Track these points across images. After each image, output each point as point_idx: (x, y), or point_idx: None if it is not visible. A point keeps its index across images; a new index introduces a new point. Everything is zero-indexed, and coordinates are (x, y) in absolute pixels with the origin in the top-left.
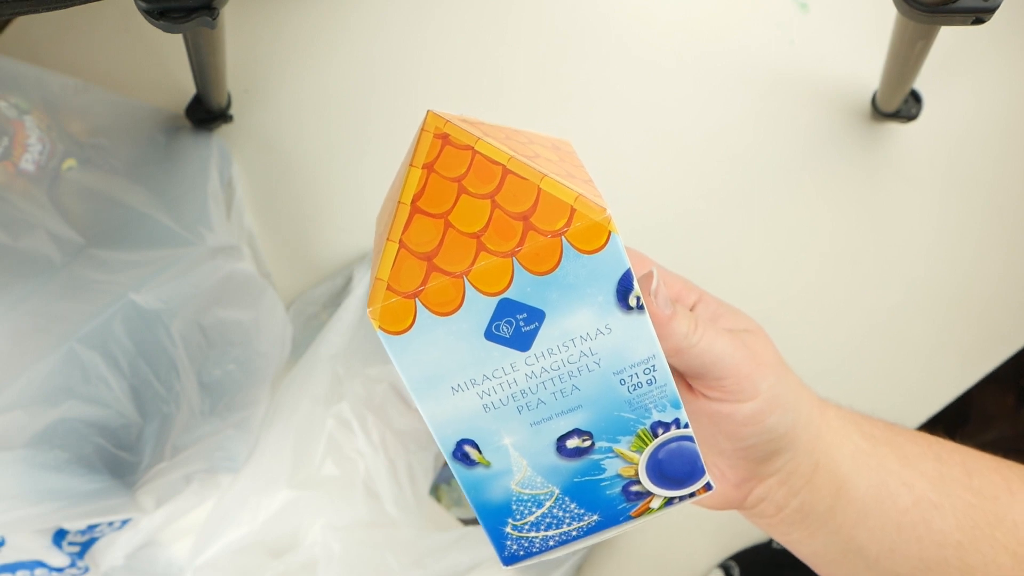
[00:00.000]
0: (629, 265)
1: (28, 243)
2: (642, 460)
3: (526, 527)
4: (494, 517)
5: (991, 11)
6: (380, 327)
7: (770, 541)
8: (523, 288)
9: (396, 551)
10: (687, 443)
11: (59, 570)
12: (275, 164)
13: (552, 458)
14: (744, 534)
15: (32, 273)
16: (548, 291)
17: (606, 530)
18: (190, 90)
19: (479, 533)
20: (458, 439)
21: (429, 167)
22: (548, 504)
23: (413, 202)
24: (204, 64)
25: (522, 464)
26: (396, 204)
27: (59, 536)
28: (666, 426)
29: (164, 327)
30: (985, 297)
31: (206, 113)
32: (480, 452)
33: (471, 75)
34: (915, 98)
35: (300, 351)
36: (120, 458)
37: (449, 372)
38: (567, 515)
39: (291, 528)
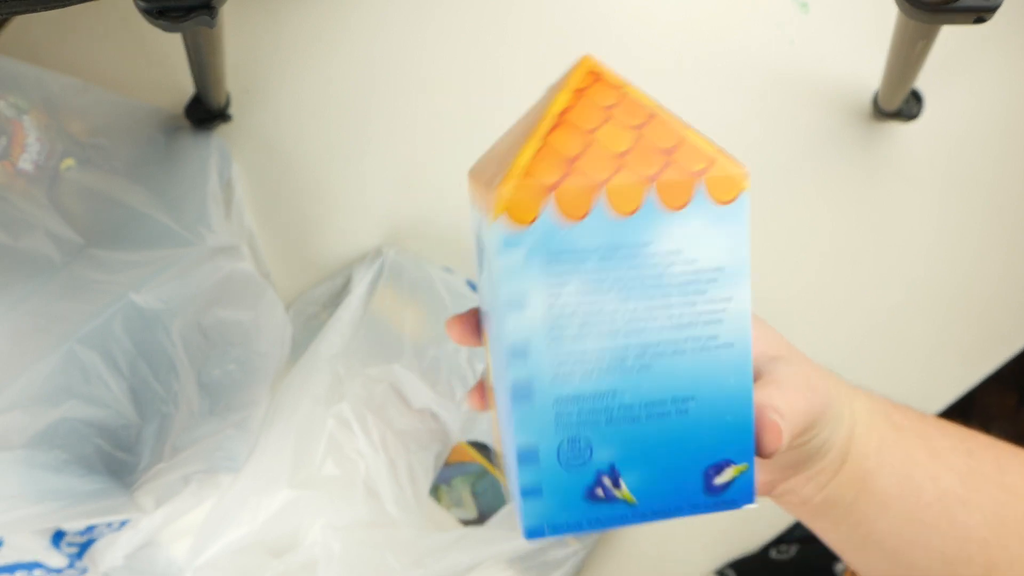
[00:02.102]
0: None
1: (28, 243)
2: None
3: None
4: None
5: (992, 10)
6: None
7: (766, 550)
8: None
9: (396, 551)
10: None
11: (58, 571)
12: (275, 164)
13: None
14: (741, 542)
15: (32, 273)
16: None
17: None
18: (189, 90)
19: (479, 533)
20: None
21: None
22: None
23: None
24: (203, 64)
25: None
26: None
27: (58, 537)
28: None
29: (164, 327)
30: (986, 297)
31: (206, 113)
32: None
33: (471, 75)
34: (916, 98)
35: (300, 351)
36: (119, 458)
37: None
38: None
39: (291, 528)
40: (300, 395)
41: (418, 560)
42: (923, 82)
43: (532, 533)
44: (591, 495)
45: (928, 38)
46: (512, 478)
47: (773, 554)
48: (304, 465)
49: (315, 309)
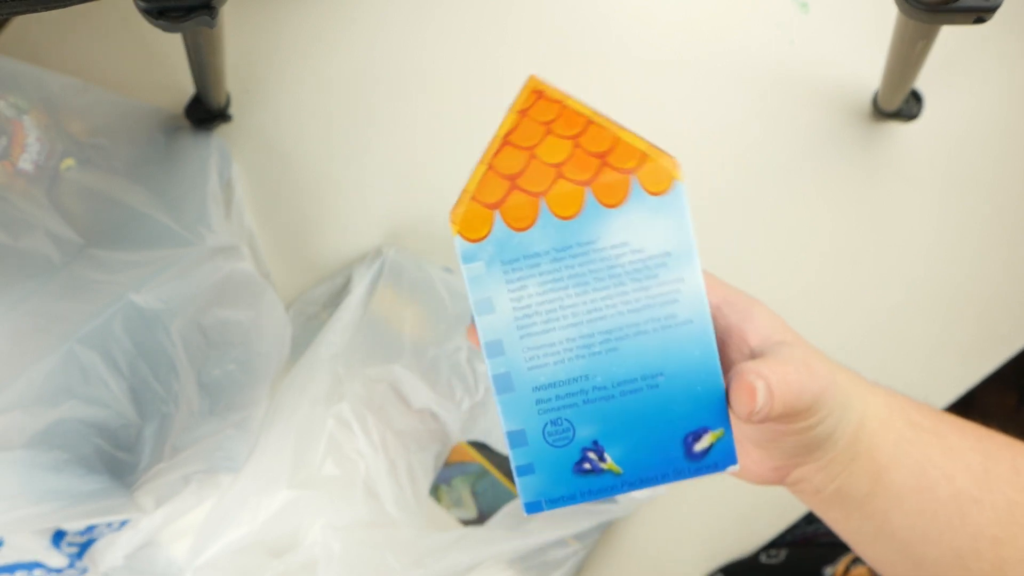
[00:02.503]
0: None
1: (28, 243)
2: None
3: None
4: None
5: (992, 10)
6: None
7: (756, 555)
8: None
9: (396, 551)
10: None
11: (58, 571)
12: (275, 164)
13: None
14: (733, 546)
15: (32, 273)
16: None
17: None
18: (189, 90)
19: (479, 533)
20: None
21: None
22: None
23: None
24: (203, 64)
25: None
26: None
27: (58, 537)
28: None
29: (164, 327)
30: (985, 297)
31: (206, 113)
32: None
33: (471, 75)
34: (916, 98)
35: (300, 351)
36: (119, 458)
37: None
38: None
39: (291, 528)
40: (300, 395)
41: (418, 560)
42: (923, 82)
43: (531, 508)
44: (580, 469)
45: (928, 38)
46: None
47: (763, 558)
48: (304, 465)
49: (315, 309)
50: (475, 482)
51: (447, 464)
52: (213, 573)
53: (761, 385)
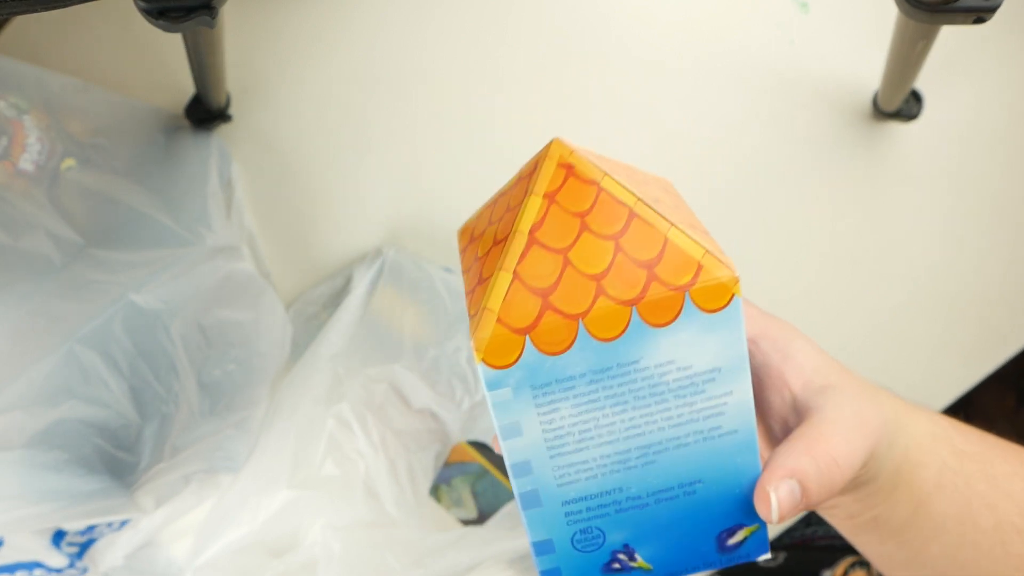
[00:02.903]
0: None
1: (28, 243)
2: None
3: None
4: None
5: (992, 10)
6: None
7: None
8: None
9: (396, 551)
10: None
11: (58, 571)
12: (275, 164)
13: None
14: None
15: (32, 273)
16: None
17: None
18: (190, 90)
19: (479, 533)
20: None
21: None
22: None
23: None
24: (203, 64)
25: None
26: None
27: (58, 536)
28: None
29: (164, 327)
30: (986, 297)
31: (206, 113)
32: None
33: (471, 75)
34: (916, 98)
35: (300, 351)
36: (119, 458)
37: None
38: None
39: (291, 528)
40: (300, 395)
41: (418, 560)
42: (923, 82)
43: None
44: (609, 569)
45: (928, 38)
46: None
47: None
48: (304, 465)
49: (315, 309)
50: (475, 482)
51: (447, 464)
52: (213, 573)
53: (784, 488)
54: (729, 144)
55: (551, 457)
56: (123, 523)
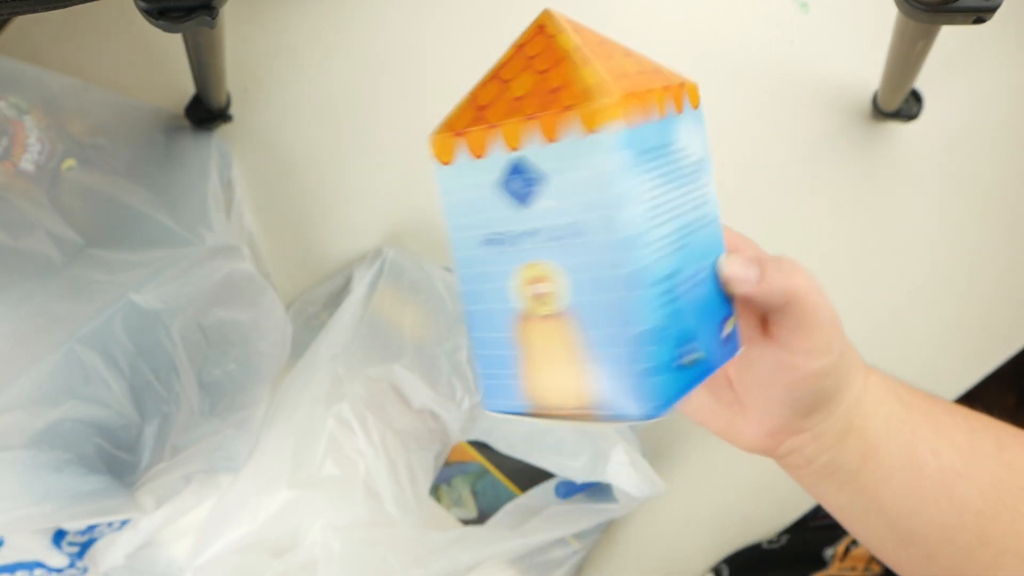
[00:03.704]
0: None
1: (28, 243)
2: None
3: None
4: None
5: (992, 10)
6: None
7: (759, 543)
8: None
9: (396, 551)
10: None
11: (58, 570)
12: (275, 164)
13: None
14: (735, 537)
15: (32, 273)
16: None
17: None
18: (190, 90)
19: (479, 533)
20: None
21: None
22: None
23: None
24: (204, 64)
25: None
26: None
27: (59, 536)
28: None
29: (164, 327)
30: (985, 297)
31: (206, 113)
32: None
33: (471, 75)
34: (916, 98)
35: (300, 351)
36: (120, 458)
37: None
38: None
39: (291, 528)
40: (300, 395)
41: (418, 560)
42: (923, 82)
43: (660, 410)
44: (680, 366)
45: (928, 38)
46: (622, 365)
47: (765, 545)
48: (304, 465)
49: (315, 309)
50: (475, 482)
51: (447, 463)
52: (213, 573)
53: (737, 260)
54: (728, 144)
55: (651, 229)
56: (123, 523)
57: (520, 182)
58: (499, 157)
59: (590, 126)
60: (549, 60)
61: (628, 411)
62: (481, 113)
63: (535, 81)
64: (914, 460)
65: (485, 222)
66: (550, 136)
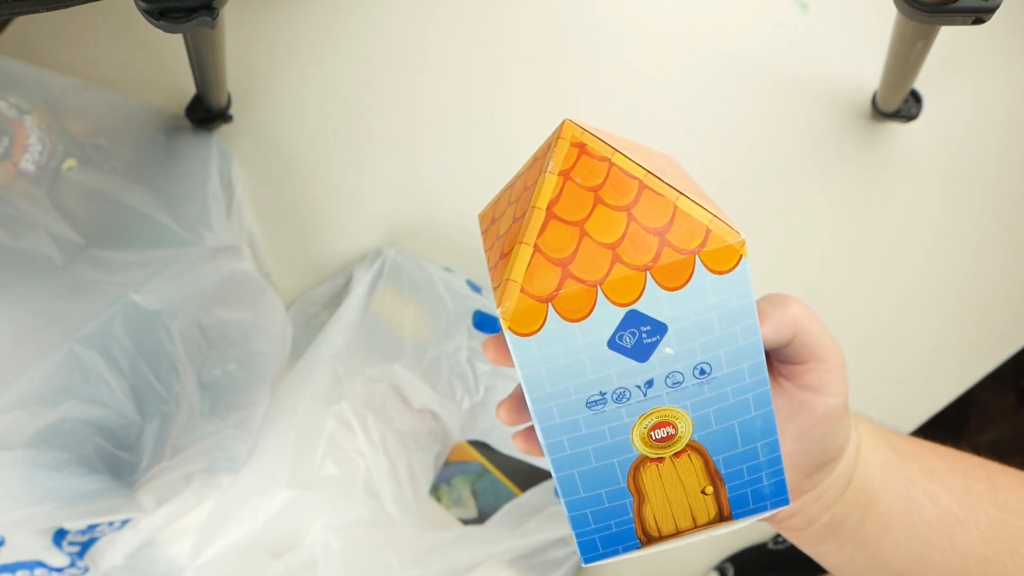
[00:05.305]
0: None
1: (28, 243)
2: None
3: None
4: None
5: (991, 11)
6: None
7: (765, 543)
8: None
9: (396, 550)
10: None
11: (59, 570)
12: (275, 164)
13: None
14: (738, 537)
15: (32, 273)
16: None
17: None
18: (190, 90)
19: (479, 533)
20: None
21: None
22: None
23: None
24: (204, 64)
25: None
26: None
27: (59, 536)
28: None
29: (164, 327)
30: (985, 297)
31: (206, 113)
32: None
33: (471, 76)
34: (915, 98)
35: (300, 351)
36: (120, 458)
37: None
38: None
39: (291, 528)
40: (300, 395)
41: (418, 559)
42: (923, 82)
43: (790, 496)
44: None
45: (927, 38)
46: (757, 473)
47: (770, 545)
48: (304, 465)
49: (315, 309)
50: (475, 481)
51: (447, 463)
52: (213, 573)
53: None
54: (728, 143)
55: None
56: (124, 522)
57: (635, 336)
58: (605, 315)
59: (722, 268)
60: (624, 191)
61: (767, 505)
62: (568, 269)
63: (622, 221)
64: (913, 507)
65: (588, 385)
66: (673, 284)
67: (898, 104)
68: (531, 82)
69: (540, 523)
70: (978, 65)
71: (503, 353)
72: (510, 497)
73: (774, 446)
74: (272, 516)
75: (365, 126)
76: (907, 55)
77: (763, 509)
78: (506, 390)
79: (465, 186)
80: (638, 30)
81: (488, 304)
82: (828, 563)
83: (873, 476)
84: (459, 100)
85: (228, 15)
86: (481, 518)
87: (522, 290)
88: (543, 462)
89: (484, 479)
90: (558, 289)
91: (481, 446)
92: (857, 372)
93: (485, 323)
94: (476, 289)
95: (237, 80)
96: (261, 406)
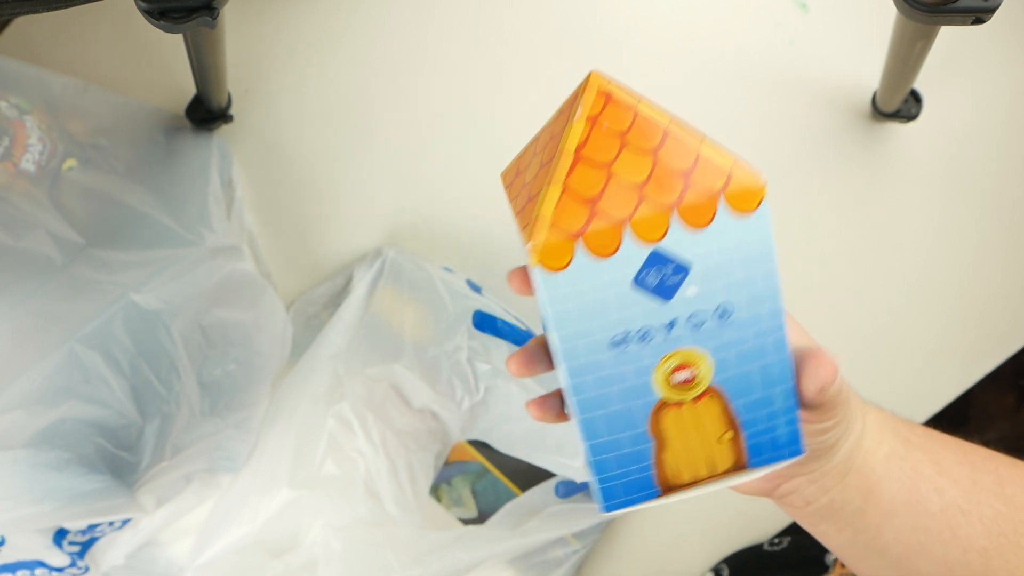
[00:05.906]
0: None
1: (28, 243)
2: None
3: None
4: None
5: (991, 11)
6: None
7: (760, 544)
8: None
9: (396, 550)
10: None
11: (59, 570)
12: (275, 164)
13: None
14: (736, 537)
15: (32, 273)
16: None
17: None
18: (190, 90)
19: (479, 532)
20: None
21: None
22: None
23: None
24: (204, 64)
25: None
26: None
27: (60, 536)
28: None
29: (164, 327)
30: (985, 297)
31: (206, 113)
32: None
33: (470, 77)
34: (915, 98)
35: (300, 351)
36: (120, 458)
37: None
38: None
39: (291, 528)
40: (300, 395)
41: (418, 559)
42: (923, 82)
43: (805, 445)
44: None
45: (927, 38)
46: (774, 420)
47: (766, 546)
48: (304, 465)
49: (315, 309)
50: (475, 481)
51: (447, 463)
52: (213, 573)
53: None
54: (728, 144)
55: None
56: (124, 522)
57: (660, 275)
58: (631, 253)
59: (744, 209)
60: (649, 136)
61: (783, 454)
62: (596, 207)
63: (648, 163)
64: (917, 498)
65: (613, 323)
66: (697, 224)
67: (898, 104)
68: (531, 82)
69: (540, 523)
70: (978, 65)
71: (526, 284)
72: (510, 497)
73: (790, 393)
74: (272, 516)
75: (365, 126)
76: (907, 55)
77: (779, 458)
78: (506, 390)
79: (465, 186)
80: (638, 30)
81: (488, 304)
82: (828, 543)
83: (876, 465)
84: (459, 100)
85: (228, 15)
86: (481, 518)
87: (552, 225)
88: (545, 460)
89: (484, 479)
90: (586, 225)
91: (481, 446)
92: (857, 372)
93: (485, 323)
94: (476, 289)
95: (237, 80)
96: (261, 406)
